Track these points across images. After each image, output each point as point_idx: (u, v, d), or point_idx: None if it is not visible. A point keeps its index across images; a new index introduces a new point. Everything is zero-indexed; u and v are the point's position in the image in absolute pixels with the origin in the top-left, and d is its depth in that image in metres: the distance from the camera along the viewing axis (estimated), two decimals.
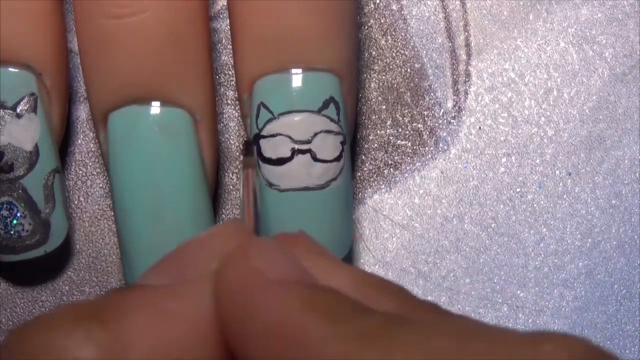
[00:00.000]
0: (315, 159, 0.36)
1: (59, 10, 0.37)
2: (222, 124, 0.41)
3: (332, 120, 0.36)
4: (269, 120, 0.36)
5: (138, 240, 0.36)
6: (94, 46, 0.36)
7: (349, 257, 0.40)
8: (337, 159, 0.36)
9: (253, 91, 0.36)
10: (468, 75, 0.41)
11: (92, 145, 0.41)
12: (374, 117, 0.41)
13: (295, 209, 0.36)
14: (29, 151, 0.37)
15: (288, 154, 0.35)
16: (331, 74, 0.36)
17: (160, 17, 0.35)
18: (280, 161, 0.36)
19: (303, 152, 0.35)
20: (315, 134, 0.35)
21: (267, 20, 0.35)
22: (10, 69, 0.36)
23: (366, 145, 0.41)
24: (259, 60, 0.36)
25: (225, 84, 0.41)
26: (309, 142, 0.35)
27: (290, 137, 0.36)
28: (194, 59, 0.36)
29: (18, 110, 0.36)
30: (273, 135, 0.36)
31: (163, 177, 0.36)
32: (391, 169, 0.41)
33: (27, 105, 0.37)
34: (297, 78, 0.35)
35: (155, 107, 0.36)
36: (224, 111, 0.41)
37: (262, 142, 0.36)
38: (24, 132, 0.37)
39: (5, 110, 0.36)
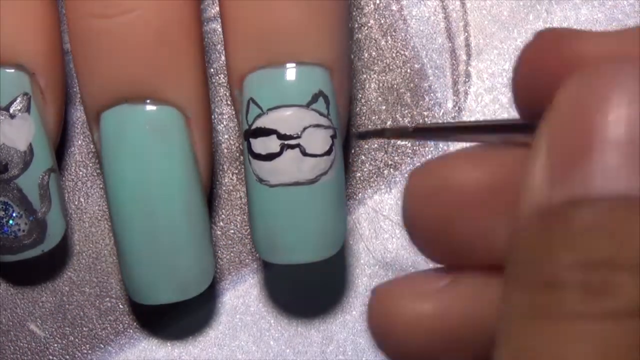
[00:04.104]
0: (304, 153, 0.35)
1: (52, 10, 0.38)
2: (222, 124, 0.41)
3: (321, 114, 0.36)
4: (258, 116, 0.36)
5: (131, 240, 0.36)
6: (83, 46, 0.36)
7: (345, 257, 0.40)
8: (328, 152, 0.36)
9: (243, 87, 0.36)
10: (468, 75, 0.41)
11: (92, 146, 0.41)
12: (374, 117, 0.41)
13: (286, 205, 0.36)
14: (22, 151, 0.37)
15: (277, 149, 0.35)
16: (320, 67, 0.36)
17: (148, 15, 0.35)
18: (270, 156, 0.36)
19: (292, 147, 0.35)
20: (304, 129, 0.35)
21: (256, 14, 0.35)
22: (3, 69, 0.37)
23: (366, 146, 0.41)
24: (248, 55, 0.36)
25: (226, 84, 0.41)
26: (298, 137, 0.35)
27: (278, 132, 0.36)
28: (184, 57, 0.36)
29: (11, 110, 0.37)
30: (263, 132, 0.36)
31: (155, 175, 0.36)
32: (391, 169, 0.41)
33: (21, 105, 0.37)
34: (285, 73, 0.35)
35: (146, 106, 0.36)
36: (224, 111, 0.41)
37: (252, 138, 0.36)
38: (18, 132, 0.37)
39: None
